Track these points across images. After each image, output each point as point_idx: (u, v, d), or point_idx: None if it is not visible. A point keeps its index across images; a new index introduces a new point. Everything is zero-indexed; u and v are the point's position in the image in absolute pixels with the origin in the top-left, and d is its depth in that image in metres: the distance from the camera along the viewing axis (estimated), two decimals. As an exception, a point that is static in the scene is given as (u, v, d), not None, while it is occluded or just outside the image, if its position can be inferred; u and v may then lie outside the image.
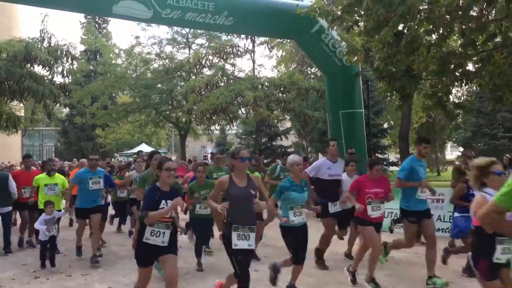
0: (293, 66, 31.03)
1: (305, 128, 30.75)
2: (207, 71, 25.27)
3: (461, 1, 5.95)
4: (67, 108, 32.75)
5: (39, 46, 17.68)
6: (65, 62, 18.33)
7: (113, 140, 37.70)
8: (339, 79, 13.02)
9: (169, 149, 45.69)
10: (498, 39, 7.05)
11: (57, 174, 9.16)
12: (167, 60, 27.42)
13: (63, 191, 8.96)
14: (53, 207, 7.96)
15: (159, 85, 26.80)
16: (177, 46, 28.51)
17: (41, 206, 8.48)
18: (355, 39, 10.98)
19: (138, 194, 7.24)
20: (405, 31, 7.13)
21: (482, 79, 7.64)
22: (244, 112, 22.60)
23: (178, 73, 27.02)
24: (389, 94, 8.76)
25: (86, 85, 26.08)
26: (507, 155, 14.84)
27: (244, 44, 23.67)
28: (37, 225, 7.87)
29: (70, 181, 9.05)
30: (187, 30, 26.25)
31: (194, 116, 21.62)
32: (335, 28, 9.25)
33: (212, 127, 27.63)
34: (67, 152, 44.36)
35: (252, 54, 23.74)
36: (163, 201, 4.81)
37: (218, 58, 22.68)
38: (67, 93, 19.64)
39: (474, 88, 16.20)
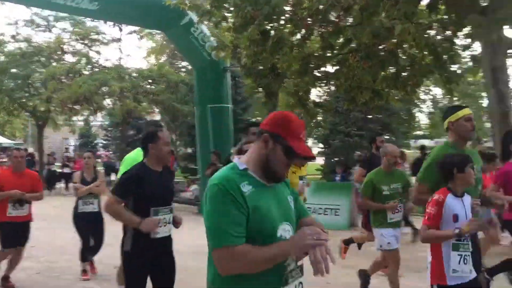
0: (163, 58, 30.48)
1: (174, 121, 30.45)
2: (69, 58, 23.73)
3: (321, 6, 6.33)
4: None
5: None
6: None
7: (-43, 129, 33.60)
8: (208, 74, 13.05)
9: (25, 140, 41.96)
10: (354, 44, 7.67)
11: None
12: (24, 43, 25.07)
13: None
14: None
15: (13, 70, 24.41)
16: (36, 29, 26.17)
17: None
18: (225, 35, 11.12)
19: None
20: (272, 31, 7.39)
21: (338, 80, 8.25)
22: (110, 103, 21.73)
23: (37, 57, 24.88)
24: (255, 90, 9.05)
25: None
26: (358, 152, 16.22)
27: (111, 32, 22.75)
28: None
29: None
30: (48, 12, 24.25)
31: (53, 105, 20.24)
32: (205, 22, 9.28)
33: (75, 118, 26.05)
34: None
35: (120, 43, 22.91)
36: None
37: (82, 45, 21.54)
38: None
39: (332, 88, 17.45)
